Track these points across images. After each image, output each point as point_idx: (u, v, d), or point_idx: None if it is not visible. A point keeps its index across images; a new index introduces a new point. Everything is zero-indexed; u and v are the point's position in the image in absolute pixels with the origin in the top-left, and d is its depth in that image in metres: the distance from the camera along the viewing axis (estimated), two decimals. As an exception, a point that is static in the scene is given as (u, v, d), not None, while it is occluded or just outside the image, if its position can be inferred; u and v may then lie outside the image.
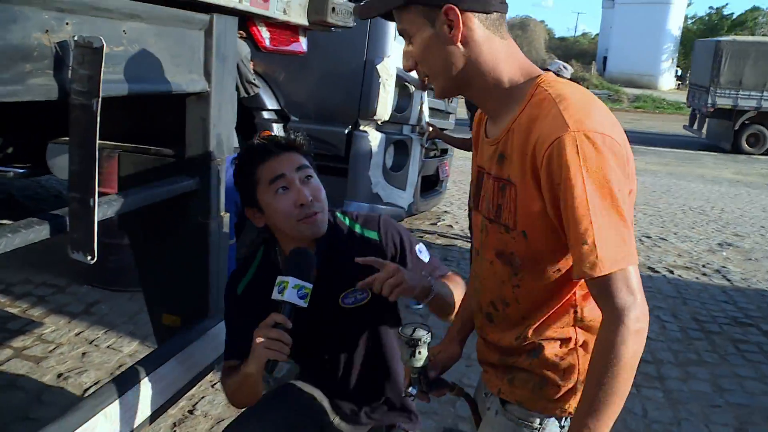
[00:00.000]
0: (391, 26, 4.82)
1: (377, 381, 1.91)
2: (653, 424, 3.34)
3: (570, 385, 1.36)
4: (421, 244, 1.87)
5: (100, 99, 1.30)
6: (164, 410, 1.89)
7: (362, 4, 1.47)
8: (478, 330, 1.56)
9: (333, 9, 2.48)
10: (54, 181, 7.50)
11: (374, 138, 4.82)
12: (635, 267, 1.18)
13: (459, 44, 1.27)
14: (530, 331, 1.36)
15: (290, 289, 1.54)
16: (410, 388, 1.62)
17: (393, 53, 4.75)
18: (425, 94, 5.35)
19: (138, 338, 3.73)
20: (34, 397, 3.05)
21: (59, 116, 1.88)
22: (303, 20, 2.42)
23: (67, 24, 1.35)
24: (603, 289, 1.17)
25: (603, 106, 1.26)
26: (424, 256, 1.84)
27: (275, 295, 1.56)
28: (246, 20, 2.20)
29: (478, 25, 1.26)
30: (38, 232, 1.38)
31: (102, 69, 1.28)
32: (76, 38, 1.31)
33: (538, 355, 1.36)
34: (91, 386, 3.18)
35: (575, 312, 1.35)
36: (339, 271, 1.75)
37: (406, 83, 5.04)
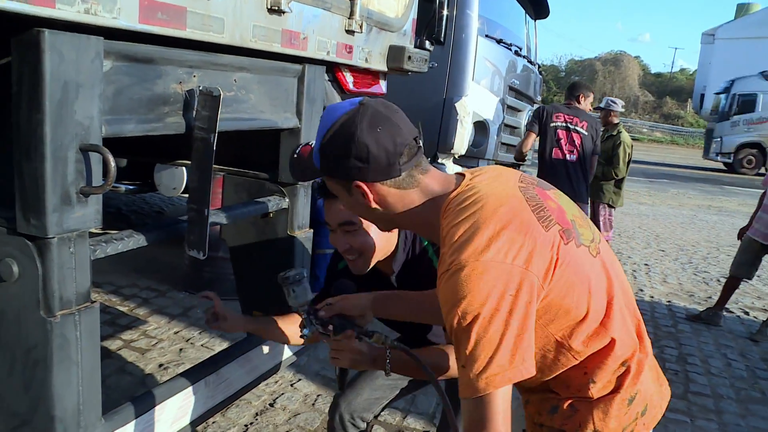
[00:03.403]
0: (470, 67, 5.19)
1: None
2: (701, 452, 3.47)
3: None
4: None
5: (216, 134, 1.71)
6: (253, 387, 2.29)
7: (297, 163, 1.66)
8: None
9: (409, 57, 2.87)
10: (157, 199, 8.21)
11: (452, 170, 5.13)
12: (506, 390, 1.24)
13: (375, 205, 1.40)
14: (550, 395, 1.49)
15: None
16: (303, 330, 1.76)
17: (471, 92, 5.11)
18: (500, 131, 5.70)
19: (228, 340, 4.15)
20: (139, 382, 3.52)
21: (163, 144, 2.32)
22: (382, 67, 2.82)
23: (194, 76, 1.79)
24: (464, 409, 1.27)
25: (500, 214, 1.29)
26: None
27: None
28: (333, 67, 2.61)
29: (388, 190, 1.38)
30: (167, 233, 1.81)
31: (219, 112, 1.70)
32: (200, 88, 1.74)
33: (556, 411, 1.48)
34: (186, 377, 3.64)
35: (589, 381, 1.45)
36: (414, 281, 1.93)
37: (484, 121, 5.39)
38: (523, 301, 1.24)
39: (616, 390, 1.45)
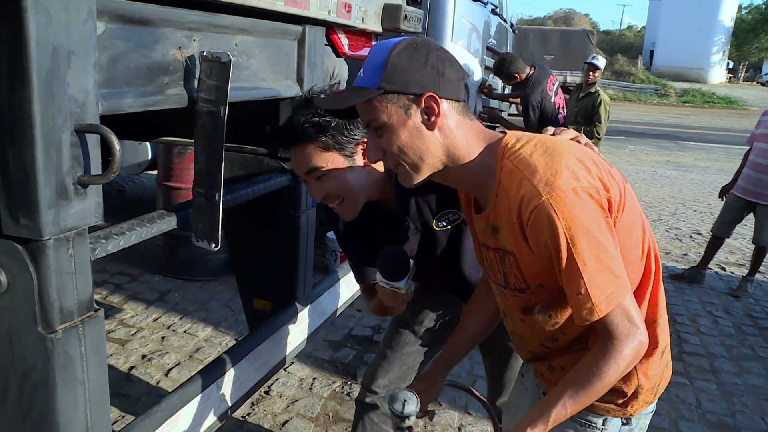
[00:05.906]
0: (448, 27, 4.96)
1: (467, 276, 2.02)
2: (707, 414, 3.42)
3: (632, 390, 1.44)
4: None
5: (227, 106, 1.48)
6: (263, 384, 2.08)
7: (329, 96, 1.50)
8: (535, 368, 1.63)
9: (405, 16, 2.64)
10: (117, 176, 7.81)
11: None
12: (630, 296, 1.26)
13: (436, 131, 1.31)
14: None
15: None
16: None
17: (450, 53, 4.89)
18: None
19: (211, 324, 3.96)
20: (124, 376, 3.29)
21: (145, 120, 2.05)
22: (377, 27, 2.58)
23: (194, 40, 1.53)
24: (604, 327, 1.26)
25: (569, 150, 1.29)
26: None
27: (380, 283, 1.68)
28: (327, 29, 2.37)
29: (451, 111, 1.31)
30: (169, 223, 1.57)
31: (229, 81, 1.46)
32: (204, 53, 1.49)
33: None
34: (173, 367, 3.41)
35: None
36: (425, 204, 1.83)
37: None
38: (610, 224, 1.26)
39: (654, 344, 1.43)
